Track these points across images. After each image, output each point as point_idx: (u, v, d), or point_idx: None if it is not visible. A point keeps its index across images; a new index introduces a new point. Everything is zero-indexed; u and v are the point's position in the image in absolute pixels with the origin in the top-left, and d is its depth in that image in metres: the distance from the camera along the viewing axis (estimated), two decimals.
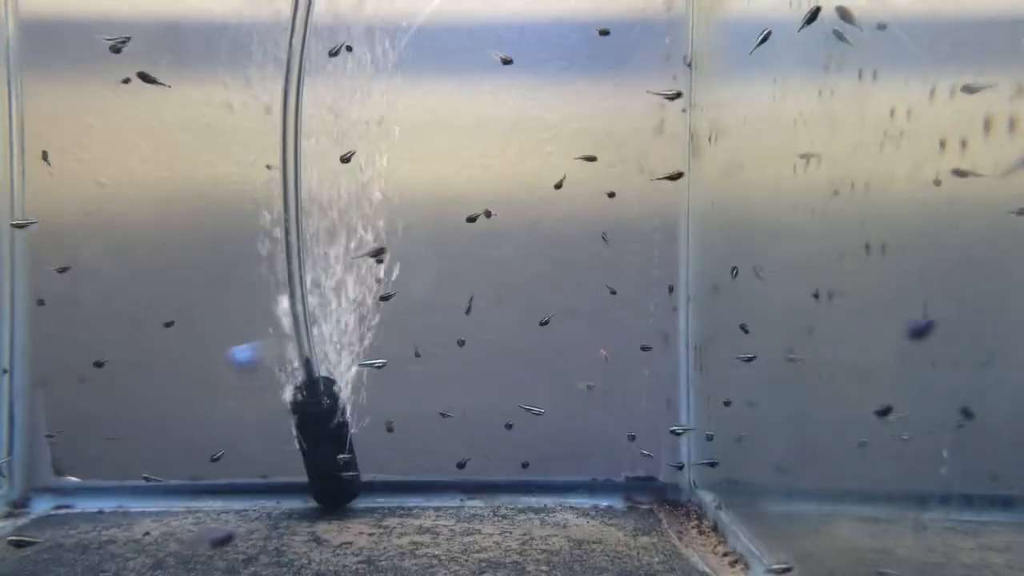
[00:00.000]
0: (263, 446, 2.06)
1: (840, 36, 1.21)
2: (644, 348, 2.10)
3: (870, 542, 1.19)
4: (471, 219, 1.90)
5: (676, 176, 1.93)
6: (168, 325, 1.99)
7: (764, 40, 1.45)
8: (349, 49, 1.98)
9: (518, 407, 1.97)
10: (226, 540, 1.72)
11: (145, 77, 1.80)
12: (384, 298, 1.97)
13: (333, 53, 1.86)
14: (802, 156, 1.38)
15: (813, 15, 1.32)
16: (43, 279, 2.06)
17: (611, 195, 2.05)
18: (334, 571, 1.61)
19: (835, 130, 1.28)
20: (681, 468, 2.11)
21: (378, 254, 1.89)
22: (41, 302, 2.02)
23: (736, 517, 1.80)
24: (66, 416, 2.08)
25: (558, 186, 2.01)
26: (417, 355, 2.04)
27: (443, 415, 2.01)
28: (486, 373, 2.10)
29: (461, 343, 2.03)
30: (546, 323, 2.00)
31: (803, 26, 1.32)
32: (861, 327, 1.22)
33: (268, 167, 1.90)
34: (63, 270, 1.95)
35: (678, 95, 1.99)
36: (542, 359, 2.12)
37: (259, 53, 1.98)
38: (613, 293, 2.07)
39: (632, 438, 2.08)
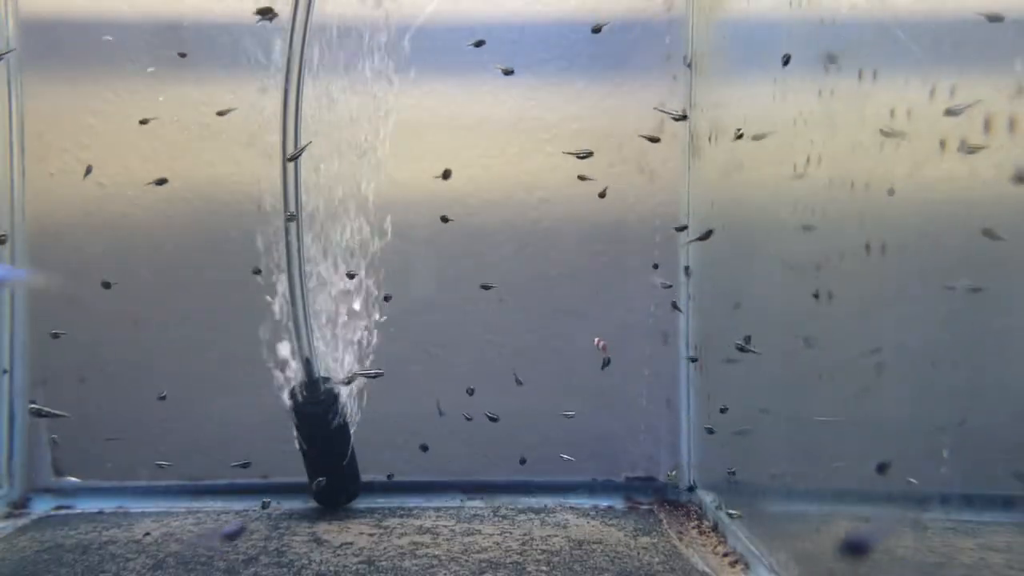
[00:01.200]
0: (263, 446, 2.06)
1: (832, 59, 1.23)
2: (675, 307, 2.11)
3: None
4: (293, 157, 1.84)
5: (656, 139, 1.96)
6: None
7: (786, 63, 1.44)
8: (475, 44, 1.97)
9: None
10: (237, 534, 1.73)
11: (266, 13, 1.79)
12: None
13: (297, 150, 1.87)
14: (755, 138, 1.40)
15: (787, 60, 1.41)
16: (43, 279, 2.06)
17: (682, 229, 2.09)
18: (334, 571, 1.61)
19: (835, 130, 1.28)
20: (692, 490, 2.10)
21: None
22: (56, 335, 2.00)
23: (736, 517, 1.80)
24: (66, 416, 2.08)
25: (602, 195, 2.03)
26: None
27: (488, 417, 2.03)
28: (486, 373, 2.10)
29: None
30: (488, 288, 1.99)
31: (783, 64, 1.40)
32: (861, 327, 1.22)
33: (142, 122, 1.92)
34: (160, 182, 1.93)
35: (683, 117, 1.99)
36: (542, 359, 2.12)
37: (259, 53, 1.98)
38: (655, 267, 2.10)
39: (607, 362, 2.03)
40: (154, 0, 2.03)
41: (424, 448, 2.07)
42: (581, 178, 2.01)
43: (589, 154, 1.90)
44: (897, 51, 1.09)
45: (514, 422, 2.06)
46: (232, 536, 1.77)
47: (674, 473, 2.11)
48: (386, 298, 2.00)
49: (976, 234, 0.94)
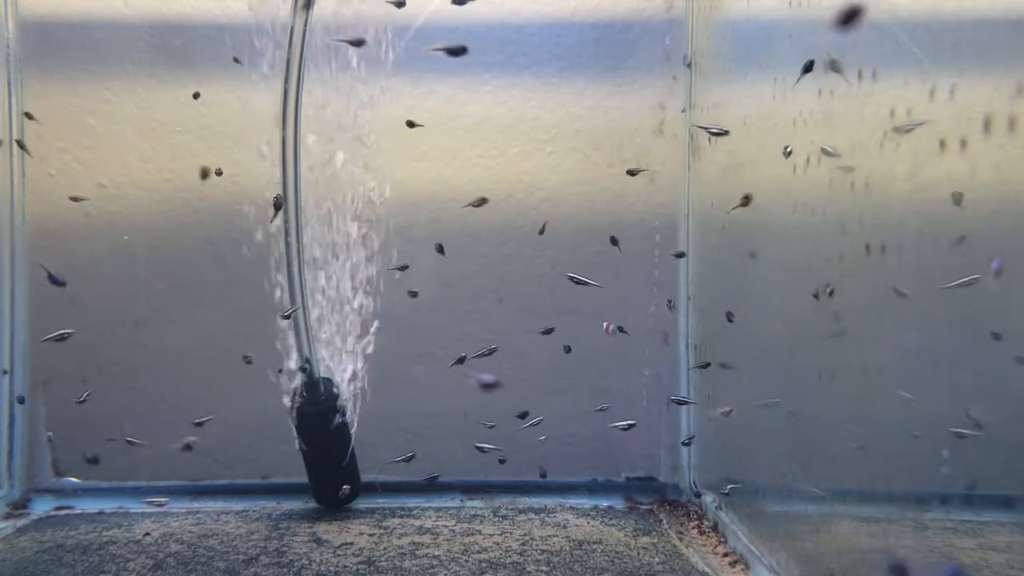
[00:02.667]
0: (263, 447, 2.07)
1: (835, 67, 1.22)
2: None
3: (870, 542, 1.19)
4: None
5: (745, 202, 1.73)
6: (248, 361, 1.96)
7: (807, 71, 1.39)
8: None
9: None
10: (493, 385, 1.74)
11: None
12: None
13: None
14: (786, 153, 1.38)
15: (809, 67, 1.34)
16: (43, 279, 2.06)
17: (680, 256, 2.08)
18: (334, 572, 1.61)
19: (835, 130, 1.28)
20: (718, 499, 2.06)
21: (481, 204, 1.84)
22: (63, 337, 1.97)
23: (736, 517, 1.80)
24: (66, 417, 2.08)
25: (632, 172, 2.01)
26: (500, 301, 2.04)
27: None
28: (486, 373, 2.10)
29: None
30: (404, 269, 1.99)
31: (800, 77, 1.36)
32: (861, 327, 1.22)
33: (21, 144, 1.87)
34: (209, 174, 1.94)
35: (725, 132, 1.78)
36: (542, 358, 2.12)
37: (258, 53, 1.98)
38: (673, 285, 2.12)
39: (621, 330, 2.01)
40: (154, 0, 2.03)
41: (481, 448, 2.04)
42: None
43: (724, 132, 1.74)
44: (897, 51, 1.09)
45: (514, 422, 2.06)
46: (490, 386, 1.78)
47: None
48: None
49: (976, 235, 0.95)
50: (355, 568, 1.63)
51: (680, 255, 2.09)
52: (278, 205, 1.87)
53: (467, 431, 2.11)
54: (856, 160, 1.20)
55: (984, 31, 0.94)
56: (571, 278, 1.85)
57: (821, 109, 1.32)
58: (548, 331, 1.97)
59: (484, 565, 1.64)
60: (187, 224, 2.07)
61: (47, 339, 1.88)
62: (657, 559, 1.69)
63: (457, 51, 1.69)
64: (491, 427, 2.04)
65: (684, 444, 2.11)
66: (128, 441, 2.01)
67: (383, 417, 2.06)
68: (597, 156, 2.10)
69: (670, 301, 2.11)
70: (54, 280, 1.80)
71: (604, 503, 2.11)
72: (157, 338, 2.07)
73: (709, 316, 2.02)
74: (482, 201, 1.89)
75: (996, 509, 0.97)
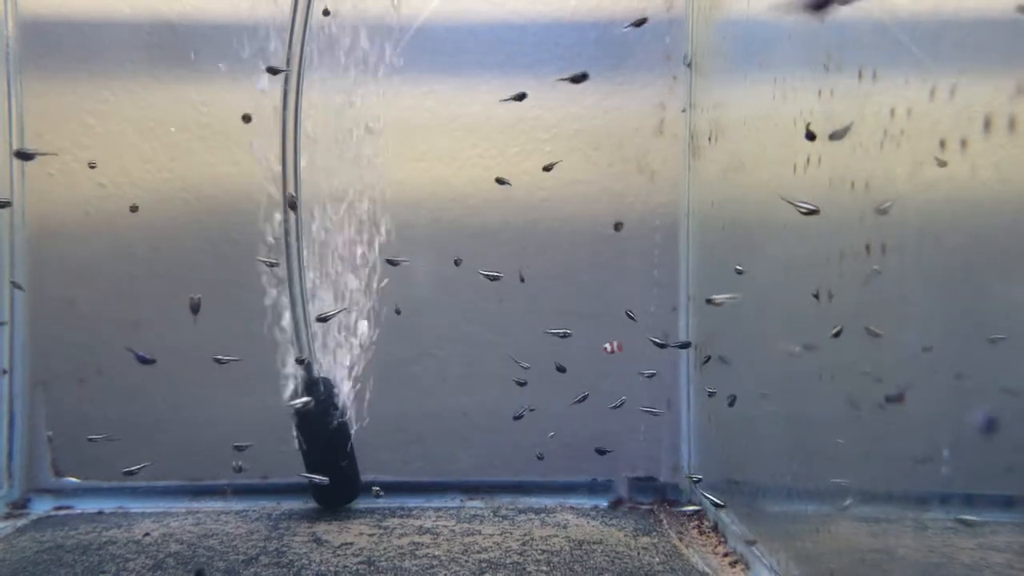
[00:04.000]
0: (263, 447, 2.06)
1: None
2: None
3: (870, 542, 1.19)
4: None
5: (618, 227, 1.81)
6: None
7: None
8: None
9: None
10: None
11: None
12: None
13: None
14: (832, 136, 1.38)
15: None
16: (43, 279, 2.06)
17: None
18: (334, 572, 1.61)
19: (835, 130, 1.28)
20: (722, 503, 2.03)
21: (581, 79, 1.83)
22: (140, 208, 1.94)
23: (736, 517, 1.80)
24: (66, 417, 2.08)
25: (617, 227, 2.00)
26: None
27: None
28: (486, 373, 2.10)
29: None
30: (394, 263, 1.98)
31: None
32: (861, 327, 1.22)
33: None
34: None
35: (816, 211, 1.43)
36: (542, 359, 2.12)
37: (258, 53, 1.98)
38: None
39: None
40: (154, 0, 2.03)
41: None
42: (499, 181, 1.97)
43: (816, 210, 1.54)
44: (897, 51, 1.08)
45: (514, 422, 2.06)
46: None
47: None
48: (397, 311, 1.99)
49: (976, 234, 0.94)
50: (355, 568, 1.63)
51: (685, 345, 2.09)
52: (292, 205, 1.87)
53: (467, 431, 2.10)
54: (856, 160, 1.20)
55: (984, 30, 0.94)
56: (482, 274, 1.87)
57: (821, 109, 1.32)
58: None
59: (484, 565, 1.64)
60: (187, 224, 2.07)
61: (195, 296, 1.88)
62: (657, 559, 1.69)
63: (578, 78, 1.81)
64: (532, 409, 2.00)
65: (657, 345, 2.04)
66: (89, 439, 1.99)
67: (383, 416, 2.06)
68: (597, 156, 2.10)
69: (629, 312, 2.06)
70: (143, 359, 1.81)
71: (604, 503, 2.11)
72: (157, 338, 2.06)
73: (709, 316, 2.02)
74: (618, 225, 1.89)
75: (996, 509, 0.97)
